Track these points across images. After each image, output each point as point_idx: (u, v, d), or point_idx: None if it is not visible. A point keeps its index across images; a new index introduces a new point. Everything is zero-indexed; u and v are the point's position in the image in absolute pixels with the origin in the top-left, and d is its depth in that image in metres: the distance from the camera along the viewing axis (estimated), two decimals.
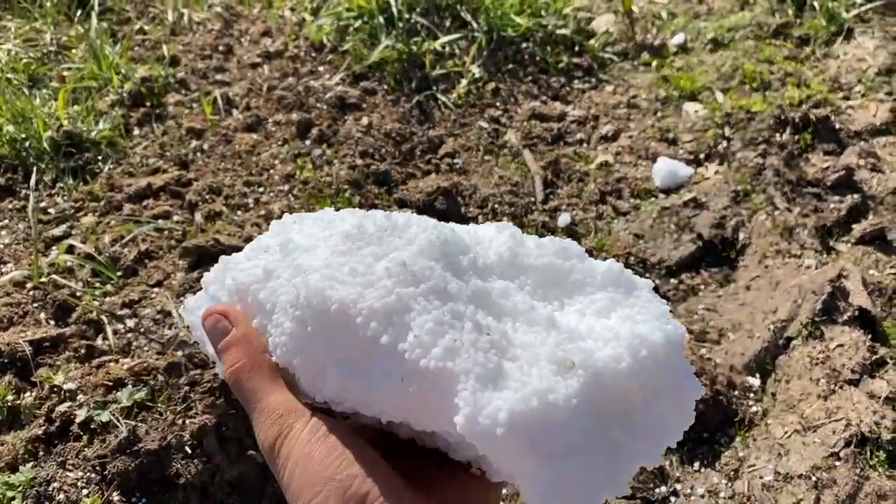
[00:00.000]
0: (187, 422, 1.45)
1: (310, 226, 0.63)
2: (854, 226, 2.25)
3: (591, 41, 3.25)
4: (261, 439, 0.53)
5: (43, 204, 2.17)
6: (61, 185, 2.24)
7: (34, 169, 2.23)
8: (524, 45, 3.11)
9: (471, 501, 0.54)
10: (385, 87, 2.81)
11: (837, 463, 1.60)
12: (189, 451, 1.40)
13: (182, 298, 1.82)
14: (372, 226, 0.59)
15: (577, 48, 3.21)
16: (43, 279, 1.86)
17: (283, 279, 0.58)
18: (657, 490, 1.72)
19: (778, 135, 2.57)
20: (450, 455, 0.55)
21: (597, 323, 0.55)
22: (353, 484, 0.48)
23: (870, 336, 1.84)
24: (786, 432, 1.73)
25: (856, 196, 2.31)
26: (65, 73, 2.70)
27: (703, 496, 1.72)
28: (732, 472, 1.73)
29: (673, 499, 1.72)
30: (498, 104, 2.84)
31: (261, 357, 0.56)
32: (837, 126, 2.61)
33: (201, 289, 0.65)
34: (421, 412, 0.52)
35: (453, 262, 0.57)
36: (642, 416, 0.52)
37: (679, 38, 3.26)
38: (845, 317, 1.88)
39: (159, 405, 1.50)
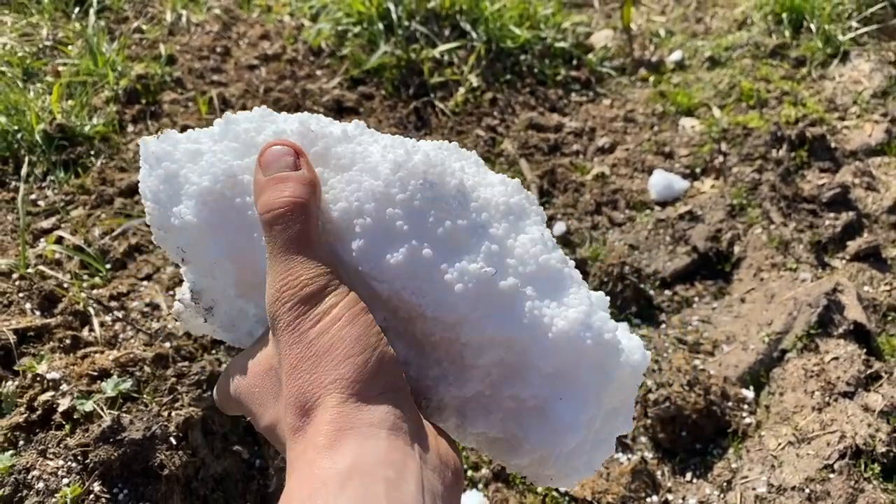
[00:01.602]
0: (173, 413, 1.42)
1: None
2: (849, 242, 2.24)
3: (590, 55, 3.26)
4: (300, 281, 0.47)
5: (33, 196, 2.14)
6: (52, 178, 2.21)
7: (25, 161, 2.20)
8: (522, 56, 3.12)
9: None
10: (383, 92, 2.80)
11: (832, 475, 1.58)
12: (174, 443, 1.36)
13: (171, 293, 1.79)
14: (457, 151, 0.62)
15: (575, 62, 3.21)
16: (29, 270, 1.82)
17: (372, 147, 0.55)
18: (648, 500, 1.70)
19: (774, 151, 2.58)
20: (442, 394, 0.54)
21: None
22: (391, 363, 0.47)
23: (864, 350, 1.82)
24: (779, 444, 1.71)
25: (851, 213, 2.31)
26: (60, 69, 2.68)
27: None
28: (725, 484, 1.71)
29: None
30: (495, 113, 2.83)
31: (317, 209, 0.51)
32: (833, 145, 2.62)
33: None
34: (502, 308, 0.51)
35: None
36: (605, 421, 0.56)
37: (676, 56, 3.28)
38: (840, 330, 1.87)
39: (145, 397, 1.46)
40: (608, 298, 0.57)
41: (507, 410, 0.52)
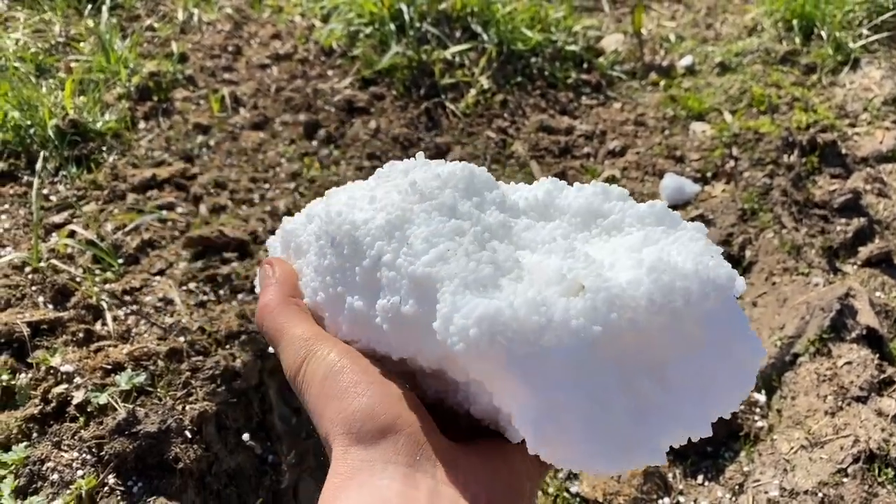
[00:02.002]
0: (187, 407, 1.42)
1: (353, 185, 0.62)
2: (860, 248, 2.24)
3: (600, 59, 3.26)
4: (286, 366, 0.51)
5: (45, 191, 2.14)
6: (64, 173, 2.21)
7: (39, 156, 2.20)
8: (533, 59, 3.12)
9: (514, 472, 0.48)
10: (394, 92, 2.80)
11: (845, 479, 1.58)
12: (188, 437, 1.36)
13: (184, 288, 1.79)
14: (402, 164, 0.57)
15: (585, 65, 3.22)
16: (42, 264, 1.83)
17: (316, 219, 0.57)
18: (660, 502, 1.69)
19: (785, 156, 2.58)
20: (472, 412, 0.50)
21: (624, 255, 0.47)
22: (385, 405, 0.46)
23: (877, 355, 1.82)
24: (792, 448, 1.70)
25: (862, 219, 2.31)
26: (72, 65, 2.69)
27: None
28: (737, 487, 1.70)
29: None
30: (506, 115, 2.84)
31: (291, 296, 0.56)
32: (844, 151, 2.61)
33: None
34: (418, 338, 0.48)
35: (475, 192, 0.53)
36: (678, 373, 0.45)
37: (687, 61, 3.28)
38: (853, 335, 1.86)
39: (159, 390, 1.46)
40: (657, 205, 0.52)
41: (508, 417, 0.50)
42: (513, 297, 0.43)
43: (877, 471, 1.57)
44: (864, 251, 2.21)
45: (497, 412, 0.48)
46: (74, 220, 2.02)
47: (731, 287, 0.46)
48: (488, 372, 0.44)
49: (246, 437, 1.52)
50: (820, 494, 1.57)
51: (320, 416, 0.47)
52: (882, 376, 1.75)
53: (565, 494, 1.70)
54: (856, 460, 1.59)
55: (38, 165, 2.15)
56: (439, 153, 2.57)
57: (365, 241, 0.51)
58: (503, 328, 0.42)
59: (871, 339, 1.87)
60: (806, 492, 1.60)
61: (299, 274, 0.59)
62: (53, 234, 1.96)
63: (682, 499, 1.71)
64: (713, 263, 0.46)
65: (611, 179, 2.57)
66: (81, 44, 2.87)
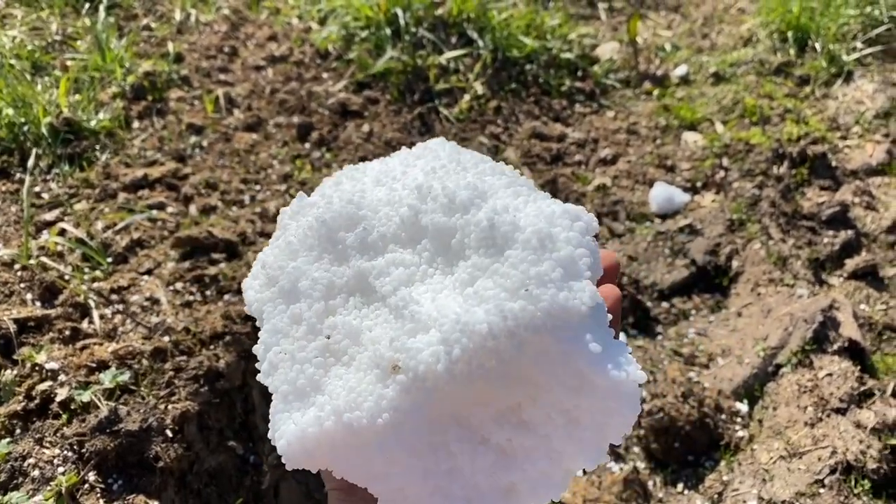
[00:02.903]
0: (170, 407, 1.43)
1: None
2: (847, 261, 2.25)
3: (595, 67, 3.28)
4: None
5: (37, 188, 2.15)
6: (57, 171, 2.22)
7: (31, 153, 2.21)
8: (528, 66, 3.13)
9: None
10: (388, 96, 2.82)
11: (822, 490, 1.59)
12: (170, 436, 1.37)
13: (171, 288, 1.80)
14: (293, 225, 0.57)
15: (580, 73, 3.23)
16: (31, 261, 1.84)
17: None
18: None
19: (775, 168, 2.59)
20: None
21: (449, 301, 0.46)
22: None
23: (859, 367, 1.83)
24: (771, 458, 1.72)
25: (850, 232, 2.32)
26: (68, 63, 2.70)
27: None
28: (716, 496, 1.71)
29: None
30: (499, 122, 2.85)
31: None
32: (834, 164, 2.63)
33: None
34: None
35: (334, 242, 0.52)
36: (538, 413, 0.44)
37: (681, 70, 3.29)
38: (835, 347, 1.87)
39: (142, 389, 1.48)
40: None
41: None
42: (332, 401, 0.44)
43: (853, 482, 1.58)
44: (851, 263, 2.23)
45: None
46: (65, 219, 2.03)
47: (537, 321, 0.43)
48: (339, 476, 0.45)
49: (232, 443, 1.53)
50: None
51: None
52: (862, 388, 1.77)
53: None
54: (833, 471, 1.60)
55: (31, 163, 2.17)
56: None
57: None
58: (321, 440, 0.43)
59: (853, 351, 1.88)
60: (783, 502, 1.61)
61: None
62: (44, 232, 1.97)
63: None
64: (518, 306, 0.43)
65: (602, 187, 2.58)
66: (78, 42, 2.88)
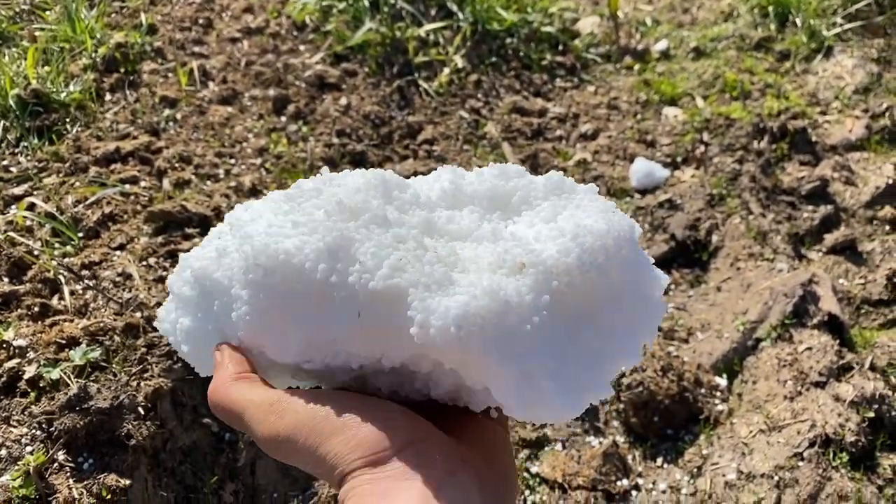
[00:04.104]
0: (142, 384, 1.40)
1: (258, 205, 0.61)
2: (826, 235, 2.26)
3: (576, 41, 3.25)
4: (260, 434, 0.49)
5: (5, 162, 2.10)
6: (25, 144, 2.16)
7: None
8: (508, 39, 3.10)
9: (487, 441, 0.53)
10: (366, 69, 2.77)
11: (801, 463, 1.59)
12: (142, 413, 1.35)
13: (144, 263, 1.76)
14: (309, 183, 0.58)
15: (561, 47, 3.20)
16: None
17: (233, 253, 0.56)
18: (619, 483, 1.70)
19: (755, 142, 2.58)
20: (433, 396, 0.54)
21: (544, 228, 0.53)
22: (389, 422, 0.46)
23: (838, 341, 1.84)
24: (750, 432, 1.72)
25: (829, 207, 2.32)
26: (37, 34, 2.63)
27: (664, 492, 1.70)
28: (695, 470, 1.72)
29: (634, 493, 1.70)
30: (479, 96, 2.82)
31: (242, 372, 0.53)
32: (814, 139, 2.63)
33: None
34: (385, 343, 0.51)
35: (394, 196, 0.56)
36: (609, 316, 0.52)
37: (662, 45, 3.27)
38: (815, 321, 1.88)
39: (114, 366, 1.44)
40: (557, 176, 0.57)
41: (482, 392, 0.53)
42: (472, 290, 0.48)
43: (831, 455, 1.59)
44: (830, 238, 2.23)
45: (459, 391, 0.53)
46: (34, 193, 1.98)
47: (635, 234, 0.53)
48: (465, 360, 0.48)
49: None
50: (776, 478, 1.59)
51: (322, 457, 0.46)
52: (841, 362, 1.77)
53: (525, 475, 1.70)
54: (812, 445, 1.61)
55: None
56: (411, 132, 2.55)
57: (306, 267, 0.51)
58: (475, 320, 0.46)
59: (833, 325, 1.88)
60: (762, 475, 1.61)
61: (225, 311, 0.56)
62: (12, 207, 1.92)
63: (640, 480, 1.72)
64: (618, 218, 0.53)
65: (582, 162, 2.56)
66: (47, 12, 2.80)
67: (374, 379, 0.55)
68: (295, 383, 0.57)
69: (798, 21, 3.22)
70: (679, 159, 2.61)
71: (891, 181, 2.35)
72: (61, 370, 1.38)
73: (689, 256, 2.28)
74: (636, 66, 3.14)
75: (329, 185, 0.57)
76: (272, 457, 0.49)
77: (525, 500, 1.66)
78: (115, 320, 1.53)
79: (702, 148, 2.62)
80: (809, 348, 1.81)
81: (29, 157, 2.12)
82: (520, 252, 0.50)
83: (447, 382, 0.53)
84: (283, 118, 2.46)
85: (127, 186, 2.00)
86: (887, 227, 2.26)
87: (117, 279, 1.69)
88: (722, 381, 1.88)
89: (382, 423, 0.46)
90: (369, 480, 0.44)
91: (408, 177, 0.60)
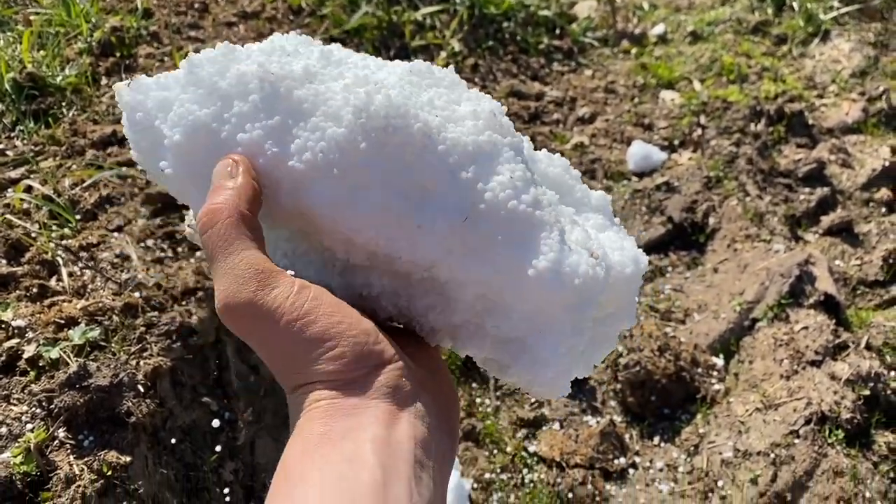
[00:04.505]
0: (141, 363, 1.40)
1: (339, 49, 0.58)
2: (822, 217, 2.26)
3: (573, 25, 3.24)
4: (226, 292, 0.45)
5: (1, 146, 2.09)
6: (21, 127, 2.16)
7: None
8: (505, 23, 3.09)
9: (432, 361, 0.54)
10: (363, 53, 2.76)
11: (796, 440, 1.60)
12: (142, 391, 1.35)
13: (142, 244, 1.76)
14: (430, 75, 0.56)
15: (558, 31, 3.19)
16: None
17: (335, 85, 0.52)
18: (616, 461, 1.71)
19: (752, 125, 2.58)
20: (398, 313, 0.54)
21: (606, 236, 0.58)
22: (370, 340, 0.45)
23: (834, 321, 1.84)
24: (747, 410, 1.73)
25: (825, 189, 2.33)
26: (31, 17, 2.61)
27: (661, 470, 1.71)
28: (692, 448, 1.73)
29: (632, 471, 1.72)
30: (476, 80, 2.81)
31: (249, 211, 0.49)
32: (810, 122, 2.63)
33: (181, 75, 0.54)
34: (476, 253, 0.50)
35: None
36: (604, 323, 0.56)
37: (659, 29, 3.27)
38: (811, 300, 1.88)
39: (113, 345, 1.44)
40: (609, 198, 0.62)
41: (494, 339, 0.53)
42: (584, 255, 0.52)
43: (827, 432, 1.60)
44: (826, 220, 2.24)
45: (427, 313, 0.53)
46: (31, 176, 1.97)
47: (642, 264, 0.59)
48: (558, 302, 0.50)
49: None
50: (772, 455, 1.60)
51: (292, 355, 0.44)
52: (837, 341, 1.78)
53: (523, 454, 1.71)
54: (808, 422, 1.62)
55: None
56: None
57: (440, 149, 0.51)
58: (589, 283, 0.50)
59: (829, 305, 1.89)
60: (759, 452, 1.62)
61: (281, 131, 0.51)
62: (9, 190, 1.92)
63: (637, 459, 1.73)
64: (639, 251, 0.58)
65: (579, 146, 2.56)
66: None
67: (349, 276, 0.54)
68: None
69: (795, 5, 3.22)
70: (676, 142, 2.61)
71: (887, 164, 2.36)
72: (60, 349, 1.39)
73: (686, 238, 2.29)
74: (633, 50, 3.14)
75: (450, 87, 0.57)
76: (226, 324, 0.45)
77: (523, 479, 1.67)
78: (113, 300, 1.53)
79: (699, 131, 2.62)
80: (805, 328, 1.82)
81: (25, 141, 2.11)
82: (593, 244, 0.53)
83: (424, 302, 0.53)
84: None
85: (124, 169, 1.99)
86: (883, 209, 2.27)
87: (115, 260, 1.69)
88: (718, 361, 1.89)
89: (363, 342, 0.45)
90: (336, 396, 0.43)
91: None
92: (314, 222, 0.51)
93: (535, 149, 0.61)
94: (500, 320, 0.52)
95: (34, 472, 1.20)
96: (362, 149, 0.49)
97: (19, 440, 1.24)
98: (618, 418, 1.82)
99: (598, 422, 1.79)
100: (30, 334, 1.45)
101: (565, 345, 0.52)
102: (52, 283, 1.64)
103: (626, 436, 1.78)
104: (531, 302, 0.51)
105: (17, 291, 1.58)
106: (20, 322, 1.48)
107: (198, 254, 1.76)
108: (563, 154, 2.46)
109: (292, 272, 0.49)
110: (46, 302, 1.55)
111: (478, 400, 1.82)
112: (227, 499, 1.45)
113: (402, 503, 0.40)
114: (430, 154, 0.50)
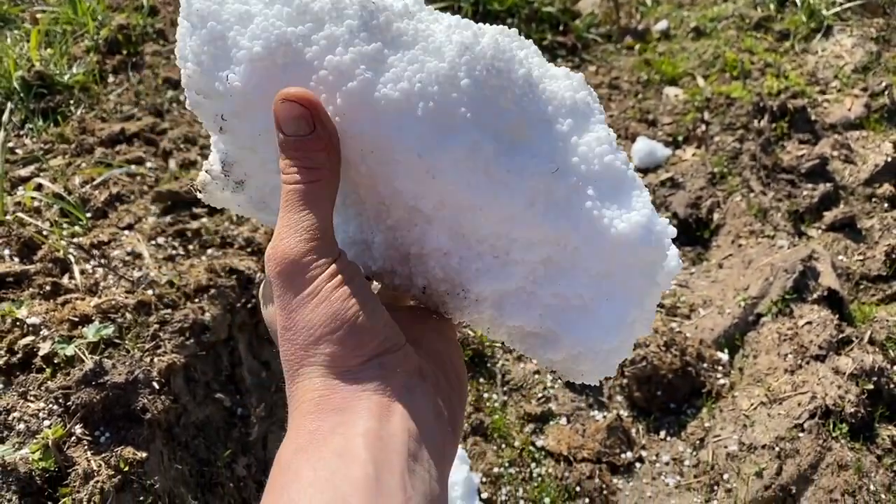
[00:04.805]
0: (155, 360, 1.42)
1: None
2: (825, 213, 2.28)
3: (577, 21, 3.25)
4: (285, 252, 0.46)
5: (11, 144, 2.11)
6: (30, 126, 2.18)
7: (4, 108, 2.16)
8: (509, 20, 3.10)
9: (445, 342, 0.54)
10: None
11: (801, 434, 1.62)
12: (156, 388, 1.37)
13: (153, 242, 1.78)
14: (519, 39, 0.56)
15: (561, 27, 3.21)
16: (7, 217, 1.80)
17: (434, 26, 0.51)
18: (623, 455, 1.73)
19: (756, 121, 2.60)
20: (421, 298, 0.54)
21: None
22: (374, 328, 0.46)
23: (837, 316, 1.86)
24: (752, 404, 1.75)
25: (828, 185, 2.34)
26: (38, 16, 2.63)
27: (667, 464, 1.73)
28: (698, 442, 1.75)
29: (638, 465, 1.74)
30: None
31: (338, 171, 0.49)
32: (813, 117, 2.64)
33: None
34: (559, 206, 0.50)
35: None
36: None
37: (662, 25, 3.28)
38: (815, 296, 1.90)
39: (127, 343, 1.46)
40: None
41: (548, 307, 0.52)
42: (665, 220, 0.53)
43: (831, 426, 1.62)
44: (829, 216, 2.25)
45: (452, 284, 0.53)
46: (41, 174, 1.99)
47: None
48: (640, 262, 0.51)
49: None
50: (777, 448, 1.62)
51: (305, 334, 0.45)
52: (840, 336, 1.80)
53: (531, 448, 1.73)
54: (812, 416, 1.64)
55: (4, 118, 2.12)
56: None
57: (538, 99, 0.52)
58: (667, 245, 0.52)
59: (832, 300, 1.91)
60: (763, 446, 1.64)
61: (377, 58, 0.49)
62: (20, 188, 1.94)
63: (644, 453, 1.75)
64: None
65: None
66: None
67: (402, 230, 0.53)
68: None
69: (797, 1, 3.23)
70: (680, 138, 2.63)
71: (889, 159, 2.37)
72: (76, 347, 1.40)
73: (690, 234, 2.30)
74: (637, 46, 3.15)
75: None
76: (267, 272, 0.47)
77: (531, 473, 1.69)
78: (126, 298, 1.55)
79: (703, 127, 2.64)
80: (809, 323, 1.84)
81: (34, 139, 2.13)
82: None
83: (477, 266, 0.52)
84: None
85: (133, 167, 2.01)
86: (886, 205, 2.28)
87: (127, 258, 1.71)
88: (723, 356, 1.91)
89: (366, 330, 0.46)
90: (327, 389, 0.44)
91: None
92: (386, 163, 0.49)
93: None
94: (564, 285, 0.52)
95: (52, 468, 1.22)
96: (463, 85, 0.49)
97: (37, 436, 1.26)
98: (624, 413, 1.84)
99: (604, 416, 1.81)
100: (44, 332, 1.47)
101: (632, 314, 0.51)
102: (65, 280, 1.65)
103: (633, 430, 1.80)
104: (610, 262, 0.50)
105: (31, 289, 1.60)
106: (35, 320, 1.49)
107: (209, 251, 1.78)
108: None
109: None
110: (60, 300, 1.57)
111: (485, 395, 1.84)
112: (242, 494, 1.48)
113: (396, 496, 0.40)
114: (528, 101, 0.50)
